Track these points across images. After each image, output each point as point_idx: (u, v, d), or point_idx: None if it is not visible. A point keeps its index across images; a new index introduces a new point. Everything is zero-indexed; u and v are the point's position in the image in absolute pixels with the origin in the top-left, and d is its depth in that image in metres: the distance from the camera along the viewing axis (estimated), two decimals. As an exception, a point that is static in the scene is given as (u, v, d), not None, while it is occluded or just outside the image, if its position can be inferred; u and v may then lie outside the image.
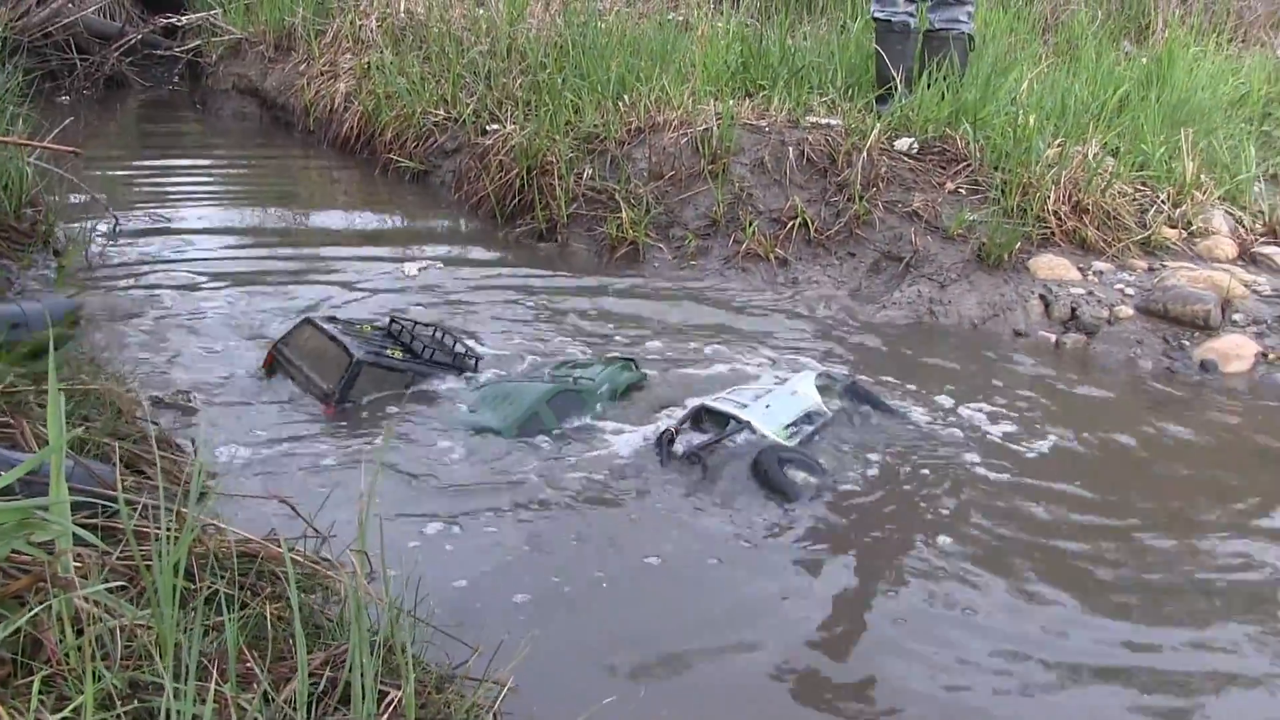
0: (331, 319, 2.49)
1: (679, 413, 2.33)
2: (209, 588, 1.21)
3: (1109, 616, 1.76)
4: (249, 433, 2.16)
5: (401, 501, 1.94)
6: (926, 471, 2.20)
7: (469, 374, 2.48)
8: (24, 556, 1.16)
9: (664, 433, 2.22)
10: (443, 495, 1.98)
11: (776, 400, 2.36)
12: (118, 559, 1.25)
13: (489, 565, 1.76)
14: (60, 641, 1.12)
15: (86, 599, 1.12)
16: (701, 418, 2.29)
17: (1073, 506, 2.12)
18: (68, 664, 1.08)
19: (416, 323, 2.50)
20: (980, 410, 2.52)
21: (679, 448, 2.20)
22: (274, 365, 2.41)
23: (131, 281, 3.06)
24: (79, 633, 1.12)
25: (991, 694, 1.56)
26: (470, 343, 2.61)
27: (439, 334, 2.47)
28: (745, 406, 2.30)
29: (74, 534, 1.19)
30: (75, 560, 1.19)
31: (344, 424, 2.24)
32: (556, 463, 2.15)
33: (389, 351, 2.38)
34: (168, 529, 1.17)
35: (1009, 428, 2.45)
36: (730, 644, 1.62)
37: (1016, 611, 1.77)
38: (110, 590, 1.18)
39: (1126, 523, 2.08)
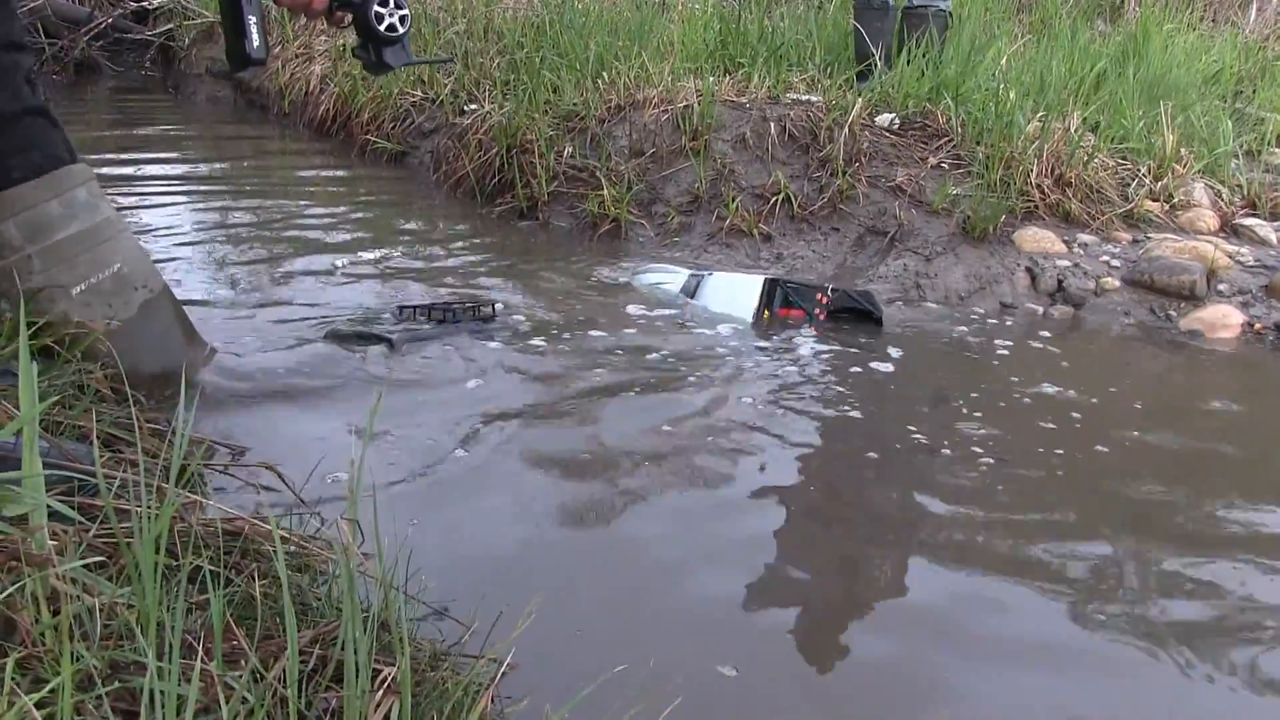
0: (350, 323, 2.58)
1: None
2: (192, 564, 1.16)
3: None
4: (244, 405, 2.10)
5: (400, 466, 1.90)
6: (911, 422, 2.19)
7: (492, 320, 2.60)
8: (-4, 535, 1.11)
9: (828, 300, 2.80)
10: (448, 459, 1.94)
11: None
12: (95, 535, 1.21)
13: (495, 532, 1.71)
14: (35, 622, 1.07)
15: (62, 577, 1.08)
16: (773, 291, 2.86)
17: (1071, 465, 2.11)
18: (43, 645, 1.03)
19: (424, 306, 2.59)
20: (969, 380, 2.50)
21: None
22: None
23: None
24: (55, 612, 1.08)
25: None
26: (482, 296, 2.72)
27: (446, 304, 2.60)
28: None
29: (50, 510, 1.15)
30: (50, 537, 1.14)
31: (351, 396, 2.20)
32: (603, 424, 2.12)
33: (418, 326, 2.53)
34: (148, 505, 1.12)
35: (999, 392, 2.43)
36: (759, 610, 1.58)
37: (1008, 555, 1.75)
38: (88, 568, 1.13)
39: (1125, 486, 2.06)
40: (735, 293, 2.87)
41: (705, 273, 2.99)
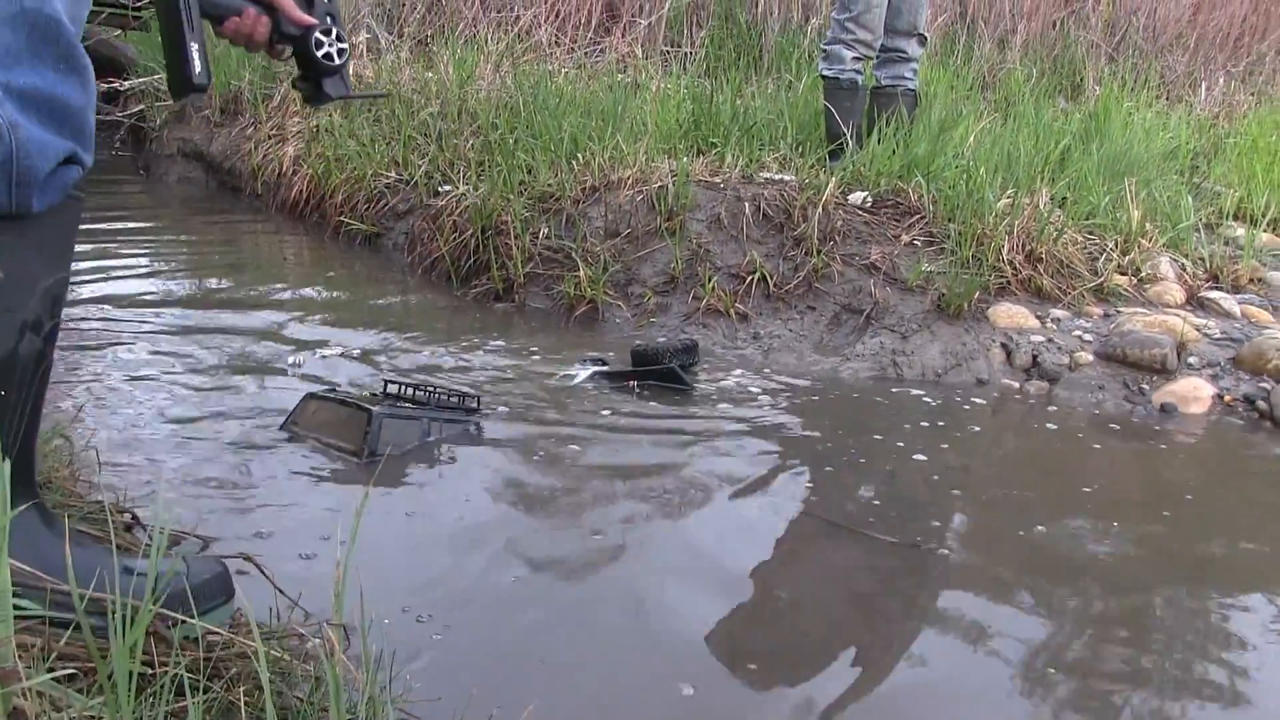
0: (331, 390, 2.52)
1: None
2: (166, 672, 1.11)
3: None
4: (216, 492, 2.06)
5: (379, 561, 1.85)
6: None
7: (476, 413, 2.55)
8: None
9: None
10: (436, 546, 1.90)
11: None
12: (65, 645, 1.15)
13: (477, 629, 1.67)
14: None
15: (25, 693, 1.03)
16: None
17: (1048, 545, 2.10)
18: (7, 765, 0.98)
19: (410, 385, 2.52)
20: (949, 455, 2.50)
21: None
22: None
23: (71, 352, 2.94)
24: (22, 729, 1.02)
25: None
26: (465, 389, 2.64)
27: (432, 390, 2.53)
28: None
29: (15, 617, 1.10)
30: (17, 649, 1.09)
31: (332, 479, 2.16)
32: (576, 520, 2.08)
33: (401, 405, 2.45)
34: (123, 608, 1.08)
35: (981, 469, 2.42)
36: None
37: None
38: (58, 680, 1.08)
39: (1105, 560, 2.05)
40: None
41: None
